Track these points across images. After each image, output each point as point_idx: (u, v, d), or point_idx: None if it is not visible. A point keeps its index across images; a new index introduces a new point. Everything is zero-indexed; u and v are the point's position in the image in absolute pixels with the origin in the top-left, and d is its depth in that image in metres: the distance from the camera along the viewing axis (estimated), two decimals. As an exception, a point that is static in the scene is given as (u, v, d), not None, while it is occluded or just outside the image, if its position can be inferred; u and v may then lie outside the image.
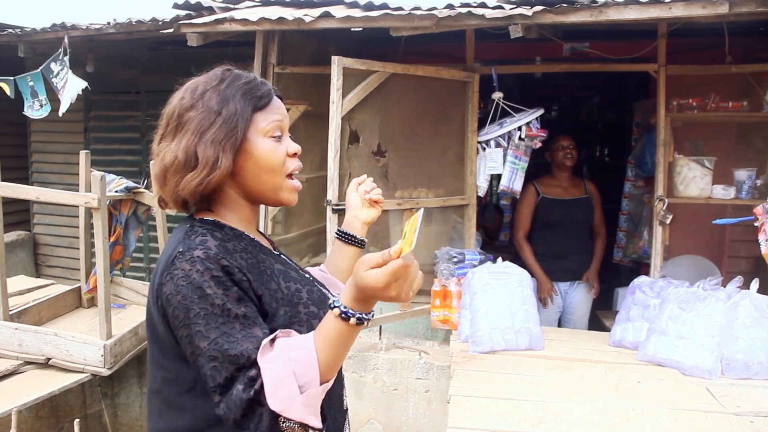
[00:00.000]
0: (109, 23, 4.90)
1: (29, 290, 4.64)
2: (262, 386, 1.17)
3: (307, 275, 1.55)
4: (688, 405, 2.87)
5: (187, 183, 1.33)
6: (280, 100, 1.47)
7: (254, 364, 1.20)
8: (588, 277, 4.61)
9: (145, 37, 5.09)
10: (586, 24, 3.60)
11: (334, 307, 1.20)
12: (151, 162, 1.42)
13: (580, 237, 4.67)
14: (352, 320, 1.19)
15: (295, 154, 1.45)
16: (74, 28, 5.02)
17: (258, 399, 1.17)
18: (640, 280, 3.88)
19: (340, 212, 3.95)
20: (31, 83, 5.11)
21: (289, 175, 1.45)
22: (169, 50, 5.84)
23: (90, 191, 3.51)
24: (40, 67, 5.11)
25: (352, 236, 1.77)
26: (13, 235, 6.92)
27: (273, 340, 1.23)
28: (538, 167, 5.75)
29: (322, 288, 1.52)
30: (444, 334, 4.47)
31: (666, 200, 4.24)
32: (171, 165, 1.34)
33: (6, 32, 5.36)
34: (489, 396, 2.93)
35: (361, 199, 1.78)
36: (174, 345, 1.32)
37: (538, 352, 3.58)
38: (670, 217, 4.20)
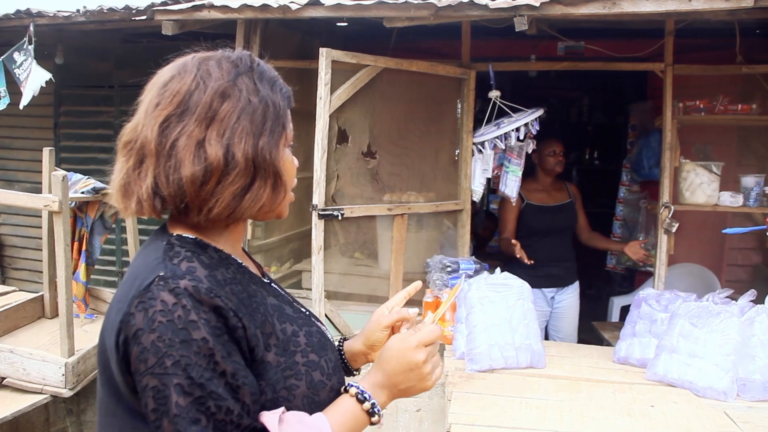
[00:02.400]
0: (78, 11, 4.56)
1: (-2, 295, 4.29)
2: None
3: (303, 310, 1.30)
4: (710, 434, 2.63)
5: (252, 199, 1.09)
6: None
7: None
8: (624, 250, 4.34)
9: (119, 28, 4.79)
10: (595, 17, 3.36)
11: (364, 400, 1.14)
12: (139, 144, 1.09)
13: (566, 243, 4.48)
14: (366, 404, 1.14)
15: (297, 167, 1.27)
16: (40, 15, 4.68)
17: None
18: (646, 293, 3.64)
19: (327, 218, 3.67)
20: (-8, 72, 4.75)
21: None
22: (144, 43, 5.53)
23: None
24: (2, 57, 4.76)
25: (347, 367, 1.47)
26: (-25, 237, 6.56)
27: (281, 418, 1.06)
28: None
29: (321, 327, 1.30)
30: (437, 348, 4.20)
31: (672, 207, 4.01)
32: (220, 167, 1.06)
33: (-35, 19, 5.00)
34: (493, 425, 2.65)
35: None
36: (132, 395, 1.03)
37: (540, 370, 3.33)
38: (677, 225, 3.97)
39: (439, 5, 3.30)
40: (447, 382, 3.24)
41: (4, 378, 3.26)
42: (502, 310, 3.44)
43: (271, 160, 1.11)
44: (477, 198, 4.37)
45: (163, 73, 1.14)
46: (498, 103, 4.23)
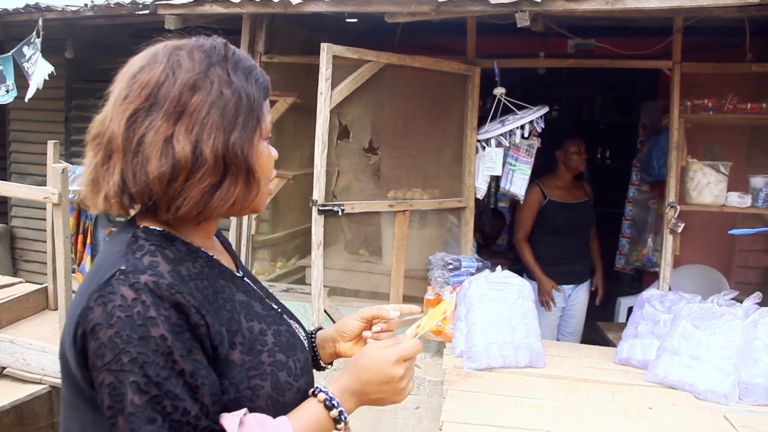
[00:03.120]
0: (86, 5, 4.57)
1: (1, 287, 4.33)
2: None
3: (274, 307, 1.24)
4: (707, 437, 2.59)
5: (221, 198, 1.04)
6: None
7: None
8: (597, 286, 4.59)
9: (128, 23, 4.79)
10: (599, 14, 3.31)
11: (332, 407, 1.09)
12: (106, 139, 1.04)
13: (584, 240, 4.55)
14: (334, 412, 1.09)
15: (274, 160, 1.21)
16: (49, 9, 4.70)
17: None
18: (650, 294, 3.60)
19: (326, 213, 3.66)
20: (0, 67, 4.79)
21: None
22: (154, 38, 5.54)
23: (55, 185, 3.20)
24: (11, 51, 4.80)
25: (317, 359, 1.44)
26: (-12, 227, 6.63)
27: (242, 420, 1.01)
28: (539, 168, 5.50)
29: (292, 324, 1.25)
30: (437, 346, 4.18)
31: (678, 207, 3.95)
32: (188, 164, 1.01)
33: (-23, 13, 5.04)
34: (486, 423, 2.63)
35: (358, 333, 1.41)
36: (91, 389, 1.00)
37: (539, 370, 3.30)
38: (682, 225, 3.91)
39: (440, 0, 3.27)
40: (444, 380, 3.22)
41: (4, 368, 3.28)
42: (501, 308, 3.42)
43: (243, 156, 1.06)
44: (480, 195, 4.34)
45: (133, 63, 1.09)
46: (503, 100, 4.18)
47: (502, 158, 4.09)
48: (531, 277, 4.33)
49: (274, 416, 1.06)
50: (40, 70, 4.57)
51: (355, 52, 3.64)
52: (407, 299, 4.19)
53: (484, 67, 4.30)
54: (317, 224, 3.65)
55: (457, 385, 3.06)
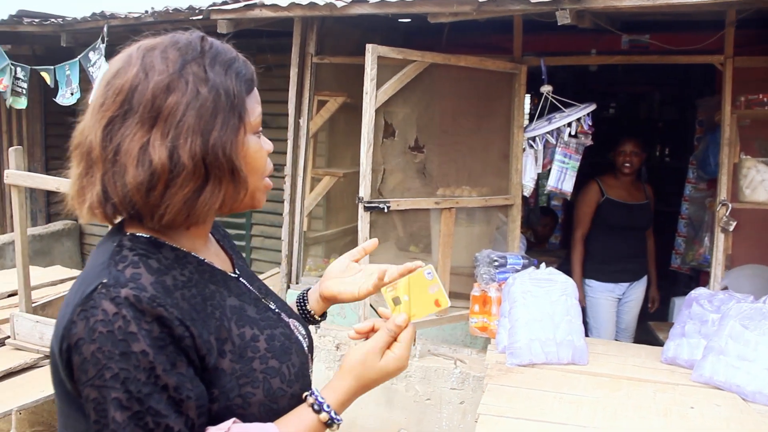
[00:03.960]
0: (146, 11, 4.81)
1: (62, 281, 4.58)
2: None
3: (272, 306, 1.21)
4: (749, 437, 2.55)
5: (205, 203, 1.01)
6: None
7: None
8: (653, 297, 4.59)
9: (185, 27, 4.99)
10: (643, 10, 3.29)
11: (320, 410, 1.08)
12: (85, 149, 1.01)
13: (641, 240, 4.50)
14: (323, 415, 1.07)
15: (269, 152, 1.16)
16: (113, 16, 4.96)
17: None
18: (698, 292, 3.53)
19: (373, 210, 3.74)
20: (68, 72, 5.07)
21: None
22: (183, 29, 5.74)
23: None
24: (79, 56, 5.07)
25: (309, 314, 1.38)
26: (59, 225, 6.99)
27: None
28: (599, 166, 5.45)
29: (290, 324, 1.22)
30: (483, 342, 4.21)
31: (730, 205, 3.87)
32: (165, 172, 0.97)
33: (49, 22, 5.35)
34: (522, 417, 2.66)
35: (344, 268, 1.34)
36: (80, 399, 0.99)
37: (581, 367, 3.29)
38: (734, 223, 3.83)
39: (480, 0, 3.30)
40: (486, 375, 3.25)
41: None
42: (544, 305, 3.42)
43: (225, 157, 1.01)
44: (527, 193, 4.35)
45: (110, 67, 1.04)
46: (550, 98, 4.18)
47: (542, 156, 4.09)
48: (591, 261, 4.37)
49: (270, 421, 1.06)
50: (101, 73, 4.81)
51: (399, 53, 3.70)
52: (453, 295, 4.23)
53: (530, 65, 4.31)
54: (363, 221, 3.74)
55: (497, 380, 3.09)
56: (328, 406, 1.08)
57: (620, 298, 4.43)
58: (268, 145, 1.14)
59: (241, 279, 1.20)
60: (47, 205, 7.19)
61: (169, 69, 1.00)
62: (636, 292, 4.46)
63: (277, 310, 1.21)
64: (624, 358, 3.48)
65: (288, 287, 4.75)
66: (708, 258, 5.10)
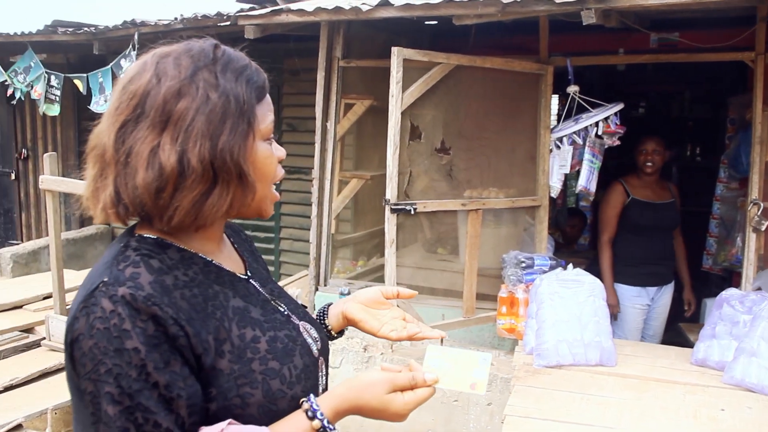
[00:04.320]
0: (176, 18, 4.89)
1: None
2: None
3: (280, 309, 1.22)
4: (780, 440, 2.51)
5: (213, 206, 1.03)
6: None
7: None
8: (688, 300, 4.48)
9: (217, 33, 5.07)
10: (670, 8, 3.26)
11: (314, 417, 1.06)
12: (99, 151, 1.05)
13: (668, 241, 4.38)
14: (316, 422, 1.06)
15: (282, 160, 1.17)
16: (144, 24, 5.06)
17: None
18: (729, 293, 3.49)
19: (399, 212, 3.76)
20: (100, 79, 5.18)
21: None
22: (240, 47, 5.82)
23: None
24: (110, 64, 5.18)
25: (326, 328, 1.39)
26: (92, 229, 7.14)
27: None
28: (623, 166, 5.39)
29: (300, 326, 1.22)
30: (511, 344, 4.20)
31: (762, 204, 3.81)
32: (174, 174, 0.99)
33: (82, 31, 5.47)
34: (548, 418, 2.66)
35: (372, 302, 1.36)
36: None
37: (609, 368, 3.27)
38: (766, 223, 3.78)
39: (505, 2, 3.31)
40: (513, 376, 3.25)
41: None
42: (572, 306, 3.41)
43: (233, 161, 1.03)
44: (554, 194, 4.32)
45: (126, 73, 1.08)
46: (577, 98, 4.16)
47: (570, 157, 4.06)
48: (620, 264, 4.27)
49: (267, 424, 1.05)
50: (134, 81, 4.91)
51: (425, 55, 3.72)
52: (481, 297, 4.23)
53: (557, 65, 4.29)
54: (390, 223, 3.76)
55: (524, 381, 3.09)
56: (322, 414, 1.07)
57: (648, 305, 4.30)
58: (279, 152, 1.15)
59: (251, 281, 1.21)
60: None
61: (181, 75, 1.02)
62: (664, 297, 4.34)
63: (286, 313, 1.22)
64: (653, 359, 3.44)
65: (316, 289, 4.79)
66: (740, 258, 5.02)
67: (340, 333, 1.40)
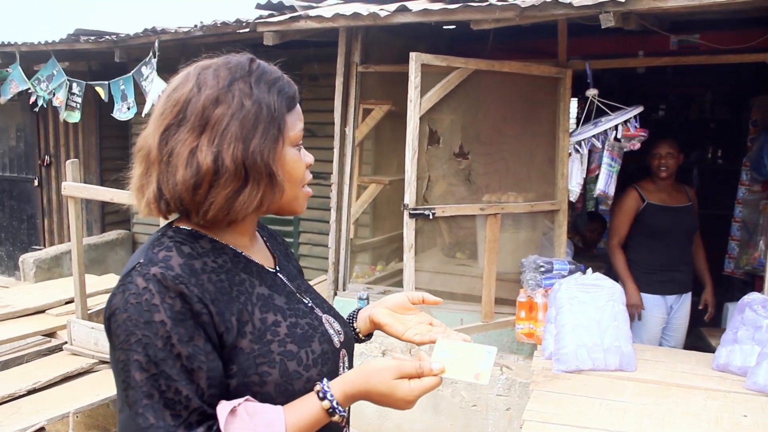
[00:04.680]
0: (195, 26, 4.94)
1: (117, 289, 4.72)
2: None
3: (305, 301, 1.31)
4: (804, 446, 2.48)
5: (244, 202, 1.13)
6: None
7: (194, 416, 1.07)
8: (706, 301, 4.34)
9: (234, 40, 5.11)
10: (689, 9, 3.24)
11: (324, 398, 1.14)
12: (145, 152, 1.17)
13: (687, 247, 4.25)
14: (336, 417, 1.14)
15: (310, 165, 1.29)
16: (164, 32, 5.11)
17: None
18: (751, 297, 3.44)
19: (418, 217, 3.77)
20: (122, 87, 5.24)
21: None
22: (259, 52, 5.87)
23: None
24: (132, 71, 5.24)
25: (355, 331, 1.46)
26: (113, 234, 7.22)
27: (233, 409, 1.07)
28: (643, 170, 5.34)
29: (323, 318, 1.31)
30: (530, 348, 4.18)
31: (784, 208, 3.77)
32: (210, 173, 1.10)
33: (104, 39, 5.54)
34: (567, 423, 2.64)
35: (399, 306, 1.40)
36: None
37: (629, 373, 3.24)
38: (789, 226, 3.72)
39: (523, 6, 3.30)
40: (532, 381, 3.24)
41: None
42: (591, 310, 3.39)
43: (263, 162, 1.13)
44: (573, 198, 4.30)
45: (171, 83, 1.20)
46: (596, 102, 4.14)
47: (588, 161, 4.04)
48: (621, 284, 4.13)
49: (284, 403, 1.13)
50: (156, 88, 4.96)
51: (443, 60, 3.73)
52: (499, 301, 4.22)
53: (576, 69, 4.27)
54: (408, 228, 3.76)
55: (543, 386, 3.07)
56: (332, 396, 1.14)
57: (667, 315, 4.19)
58: (308, 158, 1.27)
59: (279, 274, 1.31)
60: (102, 215, 7.43)
61: (219, 84, 1.14)
62: (684, 306, 4.23)
63: (310, 305, 1.32)
64: (673, 364, 3.41)
65: (335, 294, 4.81)
66: (763, 262, 4.96)
67: (368, 336, 1.47)
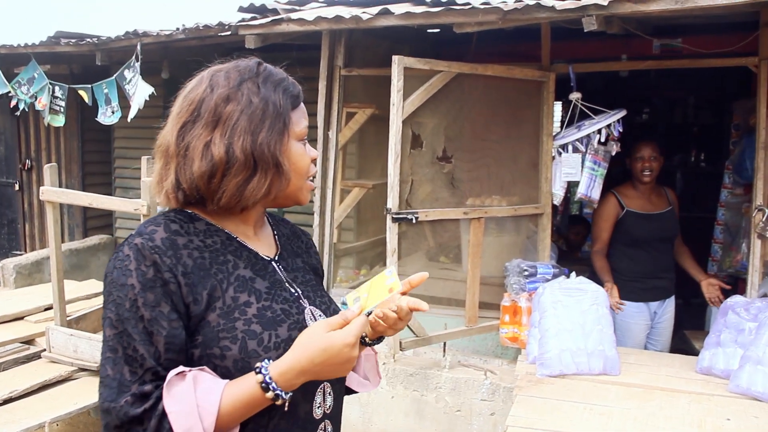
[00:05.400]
0: (178, 29, 4.89)
1: (96, 295, 4.67)
2: (151, 408, 1.13)
3: (291, 290, 1.35)
4: (787, 450, 2.48)
5: (253, 189, 1.25)
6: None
7: (148, 375, 1.15)
8: (709, 297, 4.05)
9: (216, 43, 5.06)
10: (671, 14, 3.24)
11: (259, 372, 1.16)
12: (164, 147, 1.28)
13: (668, 252, 4.16)
14: (270, 394, 1.15)
15: (314, 159, 1.39)
16: (146, 34, 5.05)
17: (141, 419, 1.12)
18: (734, 300, 3.46)
19: (401, 221, 3.74)
20: (105, 90, 5.18)
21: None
22: (243, 56, 5.83)
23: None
24: (115, 75, 5.19)
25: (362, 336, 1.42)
26: (95, 239, 7.13)
27: (182, 373, 1.15)
28: (617, 174, 5.35)
29: (306, 309, 1.33)
30: (514, 353, 4.17)
31: (766, 210, 3.78)
32: (223, 163, 1.22)
33: (85, 42, 5.48)
34: (551, 428, 2.63)
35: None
36: None
37: (613, 377, 3.24)
38: (772, 229, 3.74)
39: (505, 9, 3.29)
40: (516, 386, 3.23)
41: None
42: (575, 314, 3.38)
43: (270, 153, 1.25)
44: (557, 201, 4.29)
45: (187, 86, 1.32)
46: (579, 105, 4.14)
47: (580, 164, 4.01)
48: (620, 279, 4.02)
49: None
50: (140, 92, 4.91)
51: (426, 63, 3.71)
52: (484, 306, 4.20)
53: (559, 72, 4.26)
54: (391, 232, 3.74)
55: (527, 391, 3.06)
56: (266, 370, 1.16)
57: (650, 322, 4.10)
58: (312, 152, 1.38)
59: (273, 263, 1.38)
60: (84, 219, 7.34)
61: (230, 84, 1.27)
62: (669, 310, 4.15)
63: (296, 294, 1.36)
64: (657, 368, 3.42)
65: (318, 298, 4.77)
66: (746, 265, 4.98)
67: (378, 339, 1.44)
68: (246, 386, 1.16)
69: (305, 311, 1.33)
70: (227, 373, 1.19)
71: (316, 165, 1.42)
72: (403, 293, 1.33)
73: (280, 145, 1.27)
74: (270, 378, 1.15)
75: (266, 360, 1.18)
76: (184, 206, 1.30)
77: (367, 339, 1.44)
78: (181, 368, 1.15)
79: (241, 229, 1.35)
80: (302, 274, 1.44)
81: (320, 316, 1.35)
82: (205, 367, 1.18)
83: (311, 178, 1.40)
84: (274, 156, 1.26)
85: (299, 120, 1.33)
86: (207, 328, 1.20)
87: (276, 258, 1.40)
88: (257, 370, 1.16)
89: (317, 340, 1.17)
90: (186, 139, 1.25)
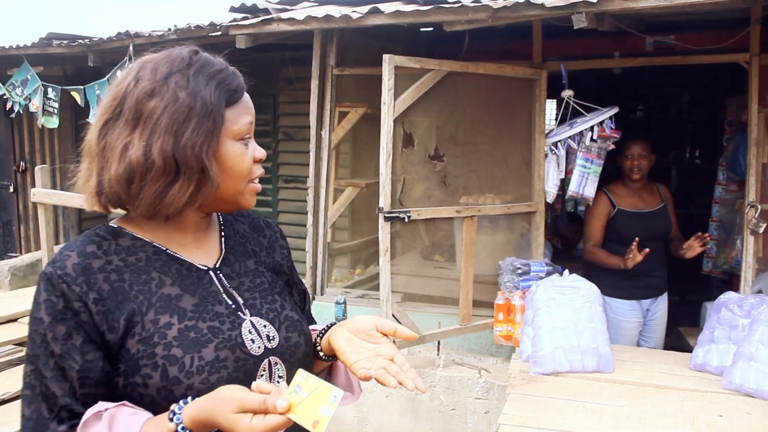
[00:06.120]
0: (170, 29, 4.88)
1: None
2: None
3: (227, 302, 1.22)
4: (779, 446, 2.48)
5: (173, 197, 1.11)
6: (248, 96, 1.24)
7: (63, 412, 1.08)
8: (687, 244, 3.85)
9: (208, 43, 5.06)
10: (661, 11, 3.24)
11: (172, 419, 1.05)
12: (88, 146, 1.17)
13: (661, 250, 4.11)
14: (171, 425, 1.04)
15: (261, 160, 1.23)
16: (138, 35, 5.04)
17: None
18: (727, 297, 3.44)
19: (393, 220, 3.74)
20: (98, 92, 5.18)
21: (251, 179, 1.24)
22: (237, 56, 5.82)
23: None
24: (107, 76, 5.18)
25: (316, 348, 1.33)
26: (90, 241, 7.11)
27: (98, 413, 1.07)
28: (609, 172, 5.35)
29: (237, 321, 1.20)
30: (508, 351, 4.16)
31: (759, 207, 3.78)
32: (140, 167, 1.09)
33: (77, 43, 5.47)
34: (544, 426, 2.62)
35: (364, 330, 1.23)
36: None
37: (606, 375, 3.23)
38: (764, 225, 3.74)
39: (495, 7, 3.29)
40: (509, 384, 3.22)
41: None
42: (568, 312, 3.38)
43: (195, 155, 1.11)
44: (550, 199, 4.28)
45: (116, 79, 1.20)
46: (571, 103, 4.14)
47: (565, 162, 4.02)
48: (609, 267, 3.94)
49: (167, 408, 1.07)
50: (133, 93, 4.90)
51: (417, 62, 3.70)
52: (477, 304, 4.20)
53: (551, 70, 4.26)
54: (384, 231, 3.73)
55: (520, 389, 3.05)
56: (179, 419, 1.04)
57: (643, 319, 4.09)
58: (258, 153, 1.23)
59: (210, 272, 1.25)
60: (79, 221, 7.33)
61: (156, 77, 1.13)
62: (662, 307, 4.13)
63: (234, 306, 1.22)
64: (651, 365, 3.41)
65: (313, 298, 4.77)
66: (740, 261, 4.98)
67: (333, 357, 1.30)
68: (160, 428, 1.05)
69: (243, 324, 1.20)
70: (152, 402, 1.10)
71: (262, 165, 1.25)
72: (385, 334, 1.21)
73: (207, 147, 1.12)
74: (183, 427, 1.03)
75: (182, 401, 1.06)
76: (110, 210, 1.18)
77: (322, 354, 1.32)
78: (98, 406, 1.07)
79: (176, 238, 1.23)
80: (250, 279, 1.29)
81: (264, 326, 1.22)
82: (125, 402, 1.09)
83: (255, 180, 1.24)
84: (200, 159, 1.11)
85: (239, 117, 1.18)
86: (127, 356, 1.11)
87: (217, 265, 1.26)
88: (171, 415, 1.05)
89: (223, 415, 1.01)
90: (106, 138, 1.13)
